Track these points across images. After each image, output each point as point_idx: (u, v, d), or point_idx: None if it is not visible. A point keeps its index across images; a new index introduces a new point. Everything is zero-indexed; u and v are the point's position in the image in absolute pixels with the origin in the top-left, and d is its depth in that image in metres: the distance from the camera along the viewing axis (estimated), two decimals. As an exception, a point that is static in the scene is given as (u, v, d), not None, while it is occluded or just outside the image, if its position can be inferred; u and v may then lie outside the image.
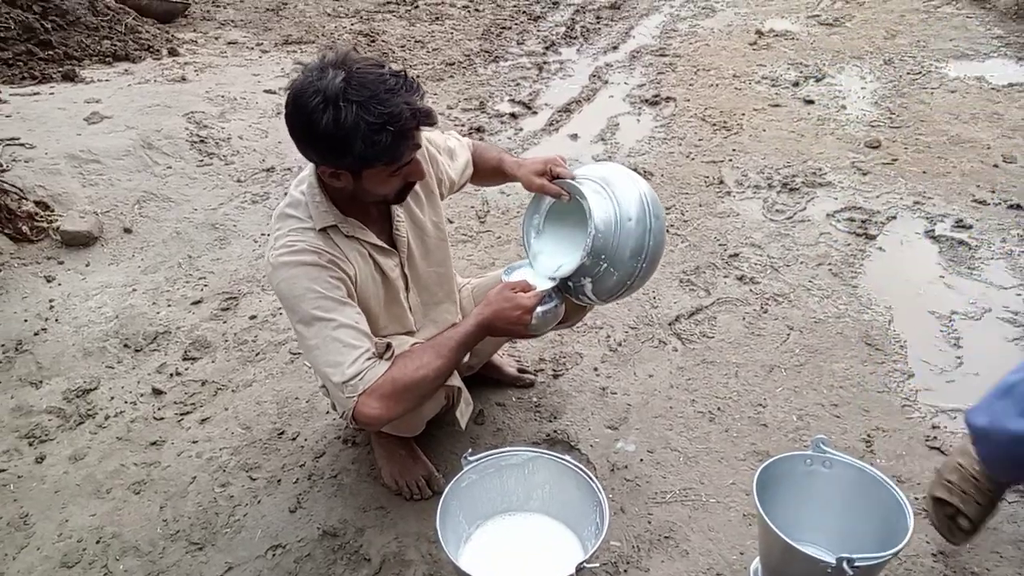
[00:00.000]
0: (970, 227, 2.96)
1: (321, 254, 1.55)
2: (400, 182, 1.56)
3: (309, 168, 1.61)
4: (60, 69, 4.31)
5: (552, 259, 1.71)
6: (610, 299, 1.72)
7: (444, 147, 1.88)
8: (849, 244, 2.92)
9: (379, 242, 1.68)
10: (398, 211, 1.72)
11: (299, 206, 1.60)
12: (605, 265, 1.62)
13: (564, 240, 1.72)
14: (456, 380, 1.75)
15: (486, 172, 1.97)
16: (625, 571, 1.72)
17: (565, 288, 1.73)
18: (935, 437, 2.04)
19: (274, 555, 1.81)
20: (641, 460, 2.02)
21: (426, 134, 1.81)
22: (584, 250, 1.59)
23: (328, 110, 1.38)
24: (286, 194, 1.64)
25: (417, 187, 1.77)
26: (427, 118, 1.47)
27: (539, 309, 1.62)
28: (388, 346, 1.57)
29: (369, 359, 1.51)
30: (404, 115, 1.41)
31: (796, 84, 4.37)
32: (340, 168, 1.48)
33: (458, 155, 1.92)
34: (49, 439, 2.18)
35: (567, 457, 1.61)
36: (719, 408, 2.18)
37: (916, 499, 1.86)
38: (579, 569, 1.32)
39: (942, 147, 3.58)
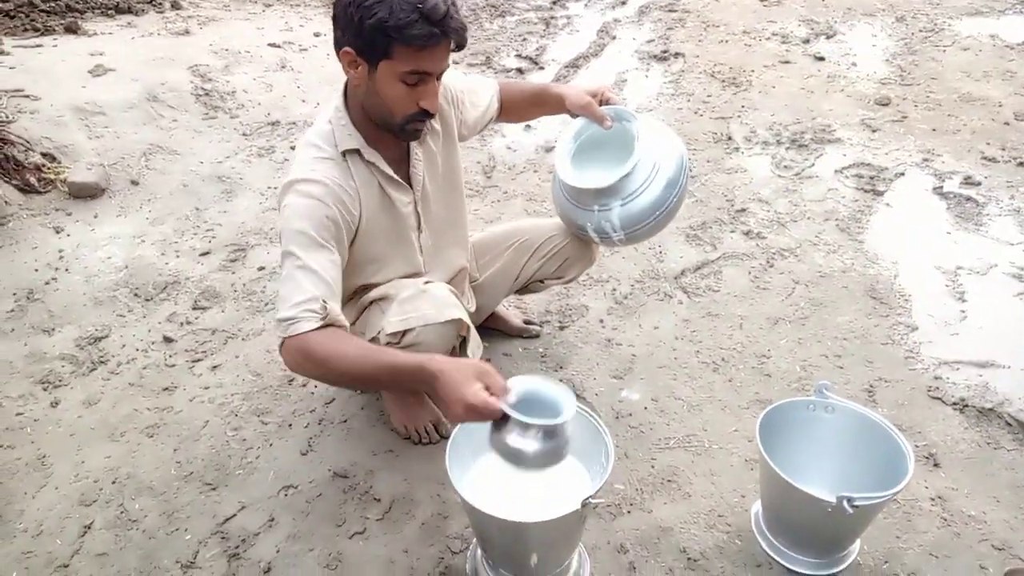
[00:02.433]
0: (979, 184, 2.95)
1: (331, 189, 1.56)
2: (410, 100, 1.53)
3: (338, 94, 1.64)
4: (62, 21, 4.27)
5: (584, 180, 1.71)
6: (631, 233, 1.70)
7: (465, 87, 1.87)
8: (856, 200, 2.91)
9: (394, 175, 1.69)
10: (416, 150, 1.72)
11: (324, 135, 1.62)
12: (640, 189, 1.62)
13: (595, 172, 1.71)
14: (467, 319, 1.76)
15: (521, 104, 1.95)
16: (628, 512, 1.76)
17: (589, 214, 1.73)
18: (937, 388, 2.07)
19: (286, 495, 1.85)
20: (645, 408, 2.05)
21: (445, 79, 1.81)
22: (630, 164, 1.59)
23: None
24: (292, 149, 1.66)
25: (437, 126, 1.77)
26: (460, 28, 1.46)
27: (509, 441, 1.26)
28: (324, 306, 1.48)
29: (307, 310, 1.46)
30: (439, 7, 1.42)
31: (807, 41, 4.32)
32: (360, 52, 1.47)
33: (480, 92, 1.91)
34: (63, 384, 2.22)
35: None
36: (723, 359, 2.21)
37: (916, 447, 1.89)
38: (584, 504, 1.35)
39: (953, 105, 3.55)
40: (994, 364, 2.14)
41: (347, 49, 1.50)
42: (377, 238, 1.70)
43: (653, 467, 1.88)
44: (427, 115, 1.58)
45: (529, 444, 1.24)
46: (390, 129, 1.61)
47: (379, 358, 1.42)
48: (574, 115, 1.81)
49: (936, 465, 1.85)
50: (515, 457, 1.25)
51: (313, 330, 1.45)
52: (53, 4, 4.41)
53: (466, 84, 1.89)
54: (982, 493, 1.78)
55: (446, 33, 1.45)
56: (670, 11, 4.81)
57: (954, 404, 2.02)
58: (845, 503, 1.41)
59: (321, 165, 1.58)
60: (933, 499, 1.77)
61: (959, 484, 1.80)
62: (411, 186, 1.74)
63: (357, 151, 1.62)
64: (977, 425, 1.96)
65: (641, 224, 1.68)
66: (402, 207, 1.72)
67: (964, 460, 1.87)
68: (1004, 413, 1.98)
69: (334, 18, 1.51)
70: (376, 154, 1.65)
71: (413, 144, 1.71)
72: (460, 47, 1.50)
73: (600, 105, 1.73)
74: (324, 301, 1.48)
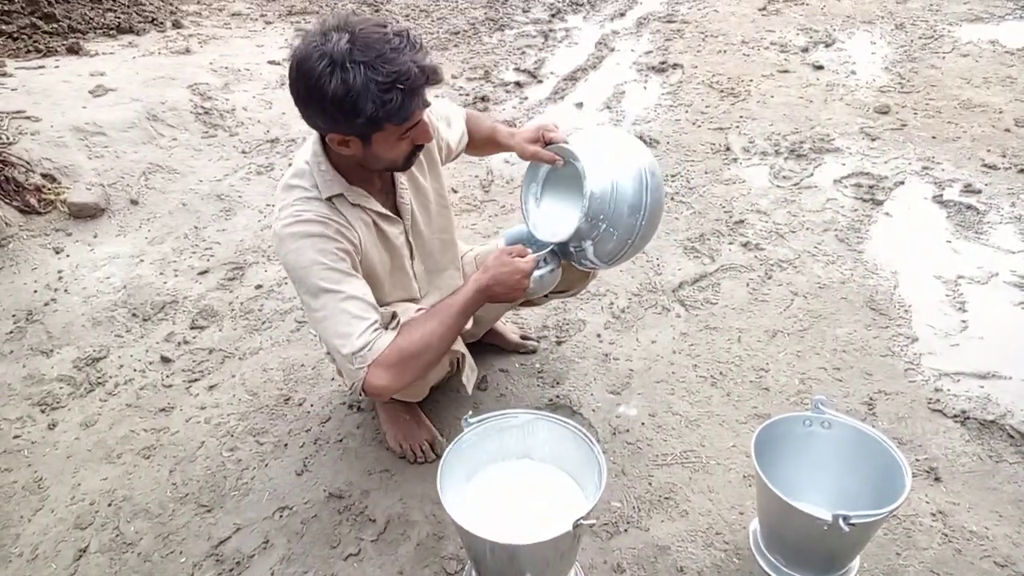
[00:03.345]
0: (979, 192, 2.93)
1: (328, 224, 1.55)
2: (408, 146, 1.55)
3: (313, 136, 1.60)
4: (64, 42, 4.31)
5: (552, 227, 1.71)
6: (613, 261, 1.71)
7: (441, 115, 1.87)
8: (856, 210, 2.90)
9: (384, 210, 1.68)
10: (401, 179, 1.71)
11: (304, 176, 1.59)
12: (604, 226, 1.61)
13: (563, 206, 1.71)
14: (460, 346, 1.76)
15: (480, 141, 1.96)
16: (626, 530, 1.75)
17: (567, 254, 1.74)
18: (938, 400, 2.04)
19: (281, 516, 1.84)
20: (643, 424, 2.04)
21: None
22: (581, 211, 1.59)
23: (336, 73, 1.36)
24: (290, 165, 1.64)
25: (420, 154, 1.77)
26: (434, 75, 1.45)
27: (536, 273, 1.63)
28: (393, 315, 1.58)
29: (376, 330, 1.53)
30: (412, 72, 1.39)
31: (805, 49, 4.31)
32: (350, 134, 1.46)
33: (454, 123, 1.91)
34: (61, 406, 2.22)
35: (568, 420, 1.62)
36: (721, 373, 2.19)
37: (917, 460, 1.87)
38: (577, 525, 1.34)
39: (953, 112, 3.53)
40: (996, 375, 2.12)
41: (332, 136, 1.48)
42: (375, 270, 1.70)
43: (650, 484, 1.86)
44: (423, 147, 1.60)
45: (549, 267, 1.68)
46: (391, 170, 1.63)
47: (449, 314, 1.58)
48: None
49: (937, 479, 1.83)
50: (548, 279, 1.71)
51: (394, 341, 1.52)
52: (56, 25, 4.46)
53: (440, 110, 1.88)
54: (984, 508, 1.76)
55: (426, 86, 1.44)
56: (669, 22, 4.82)
57: (955, 416, 1.99)
58: (841, 521, 1.39)
59: (309, 204, 1.56)
60: (934, 514, 1.74)
61: (960, 499, 1.78)
62: (400, 216, 1.74)
63: (341, 195, 1.60)
64: (979, 438, 1.94)
65: (619, 254, 1.67)
66: (394, 239, 1.72)
67: (966, 474, 1.84)
68: (1006, 425, 1.95)
69: (303, 107, 1.46)
70: (361, 193, 1.63)
71: (397, 174, 1.71)
72: (439, 83, 1.50)
73: (547, 145, 1.71)
74: (381, 318, 1.55)
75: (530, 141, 1.73)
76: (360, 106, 1.38)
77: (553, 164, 1.71)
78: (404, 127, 1.47)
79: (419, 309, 1.73)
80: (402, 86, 1.38)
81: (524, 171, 1.80)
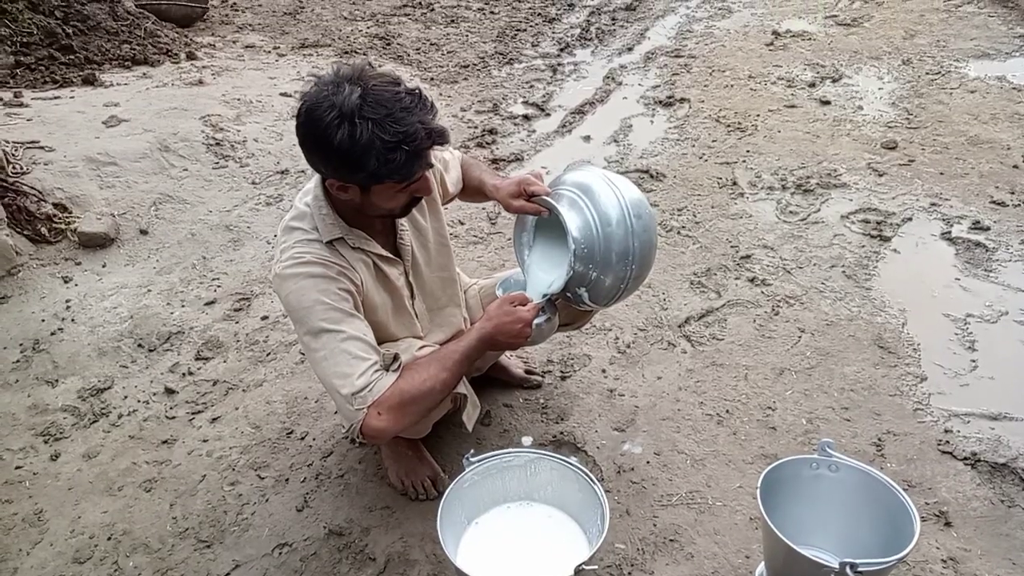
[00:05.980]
0: (988, 229, 2.91)
1: (329, 265, 1.56)
2: (407, 197, 1.57)
3: (315, 180, 1.61)
4: (81, 73, 4.38)
5: (546, 273, 1.72)
6: (610, 302, 1.73)
7: (440, 156, 1.89)
8: (863, 246, 2.88)
9: (384, 252, 1.68)
10: (402, 220, 1.73)
11: (304, 218, 1.60)
12: (595, 273, 1.63)
13: (556, 250, 1.73)
14: (462, 386, 1.75)
15: (471, 189, 1.98)
16: (629, 573, 1.72)
17: (566, 297, 1.75)
18: (947, 441, 2.01)
19: (280, 553, 1.82)
20: (648, 462, 2.01)
21: None
22: (568, 266, 1.63)
23: (344, 126, 1.37)
24: (292, 206, 1.66)
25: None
26: (441, 138, 1.47)
27: (535, 322, 1.63)
28: (395, 357, 1.56)
29: (377, 371, 1.52)
30: (419, 135, 1.41)
31: (812, 85, 4.33)
32: (350, 182, 1.48)
33: (451, 167, 1.93)
34: (64, 437, 2.22)
35: (570, 459, 1.60)
36: (727, 411, 2.17)
37: (926, 504, 1.83)
38: (578, 571, 1.32)
39: (960, 148, 3.53)
40: (1007, 416, 2.09)
41: (332, 181, 1.50)
42: (377, 311, 1.70)
43: (655, 525, 1.84)
44: (421, 198, 1.61)
45: (546, 316, 1.71)
46: (388, 217, 1.64)
47: (452, 360, 1.57)
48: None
49: (947, 524, 1.79)
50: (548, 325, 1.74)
51: (395, 383, 1.51)
52: (73, 57, 4.54)
53: (439, 153, 1.89)
54: (997, 555, 1.72)
55: (432, 149, 1.46)
56: (676, 57, 4.86)
57: (965, 459, 1.96)
58: (848, 569, 1.36)
59: (310, 246, 1.57)
60: (944, 561, 1.71)
61: (972, 545, 1.74)
62: (400, 257, 1.74)
63: (342, 238, 1.61)
64: (990, 481, 1.90)
65: (615, 296, 1.69)
66: (395, 280, 1.72)
67: (977, 519, 1.81)
68: (1018, 468, 1.92)
69: (307, 152, 1.47)
70: (361, 236, 1.64)
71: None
72: (445, 145, 1.52)
73: (530, 198, 1.72)
74: (383, 359, 1.54)
75: (513, 196, 1.74)
76: (363, 161, 1.40)
77: (538, 215, 1.73)
78: (405, 183, 1.49)
79: (422, 346, 1.73)
80: (408, 147, 1.40)
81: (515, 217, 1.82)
